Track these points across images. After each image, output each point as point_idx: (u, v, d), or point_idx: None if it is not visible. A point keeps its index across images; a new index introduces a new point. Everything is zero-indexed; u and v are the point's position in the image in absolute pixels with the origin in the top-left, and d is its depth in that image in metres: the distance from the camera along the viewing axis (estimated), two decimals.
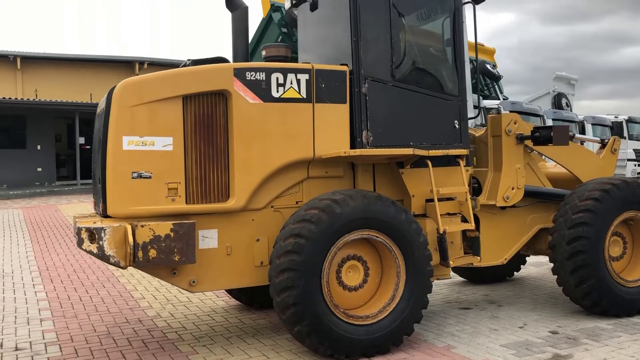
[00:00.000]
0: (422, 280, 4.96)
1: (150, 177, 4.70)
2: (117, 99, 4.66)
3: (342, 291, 4.90)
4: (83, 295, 7.14)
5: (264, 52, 5.48)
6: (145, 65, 30.70)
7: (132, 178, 4.64)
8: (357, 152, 4.99)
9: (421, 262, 4.95)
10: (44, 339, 5.48)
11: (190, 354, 4.98)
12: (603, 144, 7.29)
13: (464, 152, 5.64)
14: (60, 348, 5.21)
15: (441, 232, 5.28)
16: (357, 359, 4.74)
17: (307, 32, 6.30)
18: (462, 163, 5.62)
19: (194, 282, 4.90)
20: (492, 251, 6.16)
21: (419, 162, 5.46)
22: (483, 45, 24.33)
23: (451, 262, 5.35)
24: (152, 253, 4.54)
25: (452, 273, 7.76)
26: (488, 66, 22.72)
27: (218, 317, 6.13)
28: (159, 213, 4.71)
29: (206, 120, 4.89)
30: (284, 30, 16.82)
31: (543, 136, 6.03)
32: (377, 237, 4.86)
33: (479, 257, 5.62)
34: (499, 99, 22.21)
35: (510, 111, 16.23)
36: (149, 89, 4.74)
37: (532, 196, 6.30)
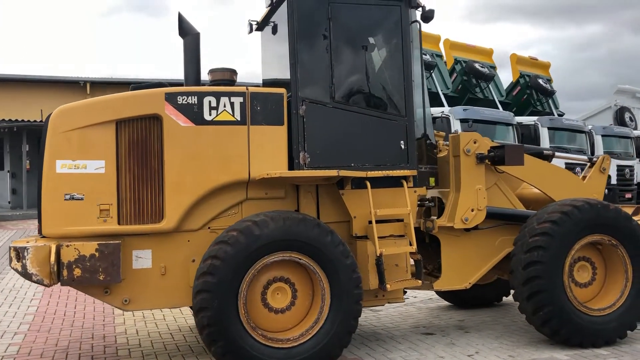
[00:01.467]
0: (349, 303, 4.88)
1: (82, 199, 4.90)
2: (52, 125, 4.91)
3: (268, 313, 4.89)
4: (70, 310, 7.47)
5: (209, 77, 5.61)
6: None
7: (65, 200, 4.86)
8: (279, 173, 4.99)
9: (347, 285, 4.88)
10: (5, 352, 5.77)
11: None
12: (591, 163, 6.93)
13: (409, 172, 5.52)
14: (13, 359, 5.49)
15: (377, 254, 5.18)
16: None
17: (266, 54, 6.40)
18: (407, 184, 5.50)
19: (126, 301, 5.03)
20: (455, 275, 5.97)
21: (361, 183, 5.39)
22: (536, 60, 23.57)
23: (388, 286, 5.21)
24: (77, 272, 4.72)
25: (436, 296, 7.59)
26: (541, 81, 21.94)
27: (178, 336, 6.25)
28: (91, 233, 4.89)
29: (140, 143, 5.05)
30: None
31: (497, 156, 5.81)
32: (300, 259, 4.83)
33: (419, 281, 5.45)
34: (554, 114, 21.40)
35: (549, 128, 15.65)
36: (82, 115, 4.96)
37: (496, 218, 6.06)
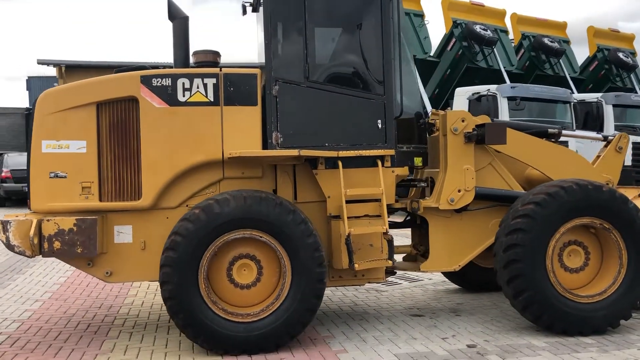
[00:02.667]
0: (310, 281, 4.92)
1: (65, 177, 5.23)
2: (39, 107, 5.25)
3: (234, 289, 5.03)
4: (94, 282, 7.96)
5: (193, 59, 5.77)
6: None
7: (50, 178, 5.20)
8: (239, 152, 5.08)
9: (308, 263, 4.92)
10: (19, 316, 6.29)
11: (110, 339, 5.43)
12: (607, 142, 6.52)
13: (386, 152, 5.45)
14: (21, 324, 5.96)
15: (346, 234, 5.17)
16: (236, 354, 4.86)
17: (260, 36, 6.47)
18: (383, 164, 5.43)
19: (108, 273, 5.34)
20: (443, 257, 5.86)
21: (335, 163, 5.38)
22: (618, 32, 22.08)
23: (357, 266, 5.20)
24: (57, 245, 5.07)
25: (444, 279, 7.44)
26: (621, 54, 20.54)
27: None
28: (74, 209, 5.22)
29: (120, 124, 5.31)
30: (465, 44, 17.13)
31: (479, 134, 5.60)
32: (261, 237, 4.93)
33: (390, 262, 5.37)
34: (636, 92, 20.02)
35: (614, 105, 14.61)
36: (65, 98, 5.27)
37: (487, 199, 5.86)
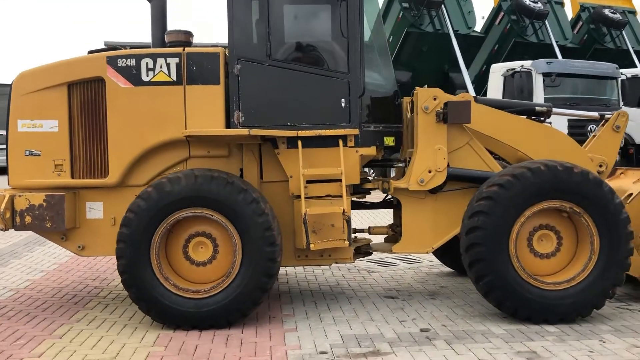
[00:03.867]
0: (260, 260, 4.95)
1: (39, 155, 5.48)
2: (15, 88, 5.51)
3: (190, 265, 5.14)
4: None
5: (166, 39, 5.85)
6: None
7: (25, 155, 5.47)
8: (190, 131, 5.14)
9: (259, 242, 4.94)
10: (18, 285, 6.68)
11: (85, 309, 5.68)
12: (604, 121, 6.13)
13: (348, 132, 5.36)
14: (15, 293, 6.33)
15: (303, 214, 5.15)
16: (187, 329, 4.97)
17: None
18: (346, 143, 5.35)
19: (80, 247, 5.58)
20: (416, 239, 5.73)
21: (293, 143, 5.33)
22: None
23: (312, 246, 5.17)
24: (28, 219, 5.33)
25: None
26: (606, 11, 18.38)
27: None
28: (47, 185, 5.47)
29: (89, 104, 5.49)
30: (513, 17, 16.63)
31: (444, 113, 5.39)
32: (212, 215, 4.99)
33: (347, 242, 5.29)
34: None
35: (544, 74, 12.71)
36: (38, 78, 5.49)
37: (459, 180, 5.66)
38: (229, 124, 5.38)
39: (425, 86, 5.72)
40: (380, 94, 5.83)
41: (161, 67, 5.39)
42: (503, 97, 12.61)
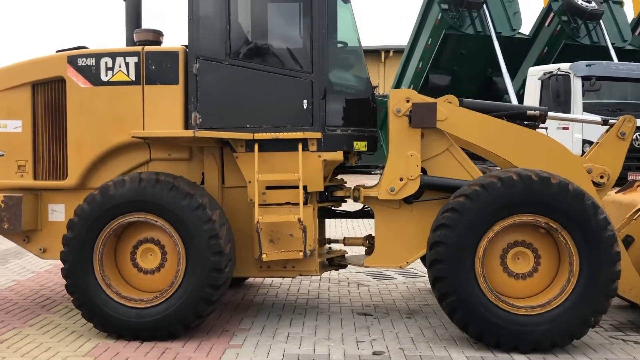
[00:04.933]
0: (204, 270, 4.66)
1: (2, 155, 5.43)
2: None
3: (137, 273, 4.94)
4: None
5: (135, 37, 5.69)
6: (391, 53, 31.15)
7: None
8: (134, 133, 4.92)
9: (203, 251, 4.66)
10: (1, 286, 6.69)
11: (48, 314, 5.57)
12: (609, 127, 5.50)
13: (310, 135, 5.00)
14: None
15: (256, 222, 4.85)
16: (129, 339, 4.75)
17: None
18: (308, 147, 5.00)
19: (42, 249, 5.49)
20: (389, 252, 5.31)
21: (253, 146, 5.04)
22: None
23: (264, 256, 4.85)
24: None
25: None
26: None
27: None
28: (10, 186, 5.41)
29: (52, 104, 5.40)
30: (564, 18, 15.83)
31: (409, 116, 4.93)
32: (156, 221, 4.75)
33: (301, 254, 4.92)
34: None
35: (583, 77, 11.29)
36: (4, 78, 5.45)
37: (436, 189, 5.19)
38: (187, 126, 5.16)
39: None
40: (351, 96, 5.44)
41: (120, 66, 5.23)
42: (540, 102, 11.84)
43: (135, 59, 5.20)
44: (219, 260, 4.69)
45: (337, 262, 5.68)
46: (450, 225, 4.53)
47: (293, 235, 5.01)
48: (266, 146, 5.04)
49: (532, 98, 12.07)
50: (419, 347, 4.65)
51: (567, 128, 11.26)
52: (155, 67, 5.18)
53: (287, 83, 5.08)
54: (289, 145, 5.05)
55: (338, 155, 5.15)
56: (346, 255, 5.79)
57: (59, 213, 5.47)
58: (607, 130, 5.48)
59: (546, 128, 5.59)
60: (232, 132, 5.02)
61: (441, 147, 5.28)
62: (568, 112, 11.32)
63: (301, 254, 4.90)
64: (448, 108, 5.20)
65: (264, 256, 4.87)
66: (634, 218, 5.38)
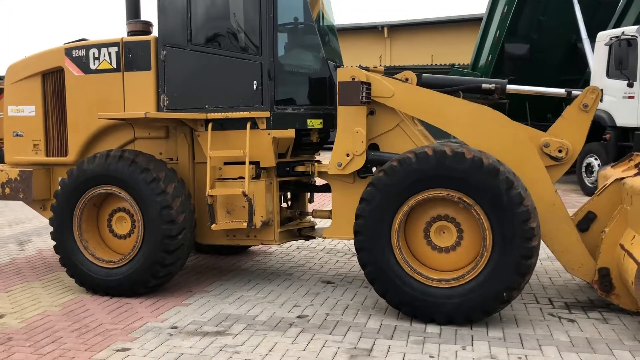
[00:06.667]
0: (157, 237, 5.23)
1: (22, 136, 6.38)
2: (6, 78, 6.47)
3: (113, 238, 5.66)
4: None
5: (127, 28, 6.34)
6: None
7: (13, 136, 6.42)
8: (101, 114, 5.55)
9: (156, 220, 5.24)
10: (3, 258, 7.64)
11: (31, 280, 6.42)
12: (571, 97, 5.30)
13: (258, 114, 5.36)
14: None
15: (207, 194, 5.33)
16: (101, 294, 5.49)
17: None
18: (257, 126, 5.37)
19: None
20: (345, 224, 5.55)
21: (215, 125, 5.50)
22: None
23: (213, 226, 5.33)
24: (7, 190, 6.28)
25: None
26: None
27: None
28: (28, 162, 6.36)
29: (57, 91, 6.23)
30: None
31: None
32: (119, 192, 5.40)
33: (244, 223, 5.29)
34: None
35: None
36: (22, 69, 6.37)
37: (380, 164, 5.33)
38: (158, 107, 5.74)
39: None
40: (303, 76, 5.69)
41: (104, 56, 5.91)
42: (607, 71, 11.02)
43: (116, 49, 5.85)
44: (170, 229, 5.25)
45: (304, 233, 6.02)
46: (368, 199, 4.71)
47: (245, 207, 5.44)
48: (224, 125, 5.48)
49: (600, 67, 11.25)
50: (346, 314, 4.91)
51: (633, 97, 10.44)
52: (132, 56, 5.79)
53: (240, 66, 5.46)
54: (241, 124, 5.46)
55: (289, 133, 5.47)
56: (315, 226, 6.11)
57: None
58: (570, 103, 5.28)
59: (507, 101, 5.48)
60: (194, 112, 5.52)
61: (392, 123, 5.41)
62: (635, 80, 10.47)
63: (245, 224, 5.32)
64: (395, 85, 5.30)
65: (213, 226, 5.35)
66: (597, 194, 5.17)
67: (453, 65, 18.58)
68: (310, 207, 6.56)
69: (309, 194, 6.52)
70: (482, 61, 15.84)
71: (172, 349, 4.21)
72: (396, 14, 66.03)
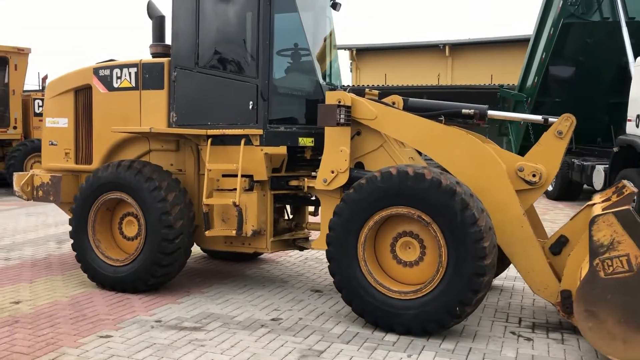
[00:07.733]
0: (157, 240, 5.79)
1: (56, 145, 7.16)
2: (46, 93, 7.28)
3: (122, 239, 6.28)
4: None
5: (150, 50, 7.00)
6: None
7: (49, 145, 7.21)
8: (114, 128, 6.17)
9: (157, 225, 5.80)
10: (21, 257, 8.47)
11: (67, 271, 7.18)
12: (547, 124, 5.50)
13: (253, 131, 5.84)
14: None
15: (203, 204, 5.85)
16: (108, 289, 6.10)
17: None
18: (251, 142, 5.85)
19: None
20: None
21: (216, 140, 6.03)
22: None
23: (207, 233, 5.83)
24: (40, 193, 7.05)
25: None
26: None
27: None
28: (60, 168, 7.12)
29: (87, 106, 6.97)
30: None
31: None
32: (127, 198, 6.00)
33: (233, 231, 5.75)
34: None
35: None
36: (58, 85, 7.15)
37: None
38: (169, 123, 6.33)
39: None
40: (297, 98, 6.13)
41: (125, 75, 6.58)
42: None
43: (135, 69, 6.51)
44: (168, 233, 5.81)
45: (298, 243, 6.44)
46: (338, 213, 5.09)
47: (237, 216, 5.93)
48: (225, 140, 6.01)
49: (637, 92, 11.07)
50: (317, 320, 5.28)
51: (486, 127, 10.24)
52: (149, 76, 6.43)
53: (239, 87, 5.98)
54: (238, 140, 5.96)
55: (281, 150, 5.93)
56: (309, 238, 6.52)
57: None
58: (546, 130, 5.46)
59: (487, 126, 5.70)
60: (197, 128, 6.07)
61: (376, 143, 5.77)
62: None
63: (234, 232, 5.80)
64: (378, 108, 5.66)
65: (207, 232, 5.86)
66: (571, 219, 5.32)
67: (502, 85, 18.48)
68: (313, 220, 6.97)
69: (312, 207, 6.94)
70: (529, 82, 15.78)
71: (148, 339, 4.72)
72: (459, 34, 66.35)
